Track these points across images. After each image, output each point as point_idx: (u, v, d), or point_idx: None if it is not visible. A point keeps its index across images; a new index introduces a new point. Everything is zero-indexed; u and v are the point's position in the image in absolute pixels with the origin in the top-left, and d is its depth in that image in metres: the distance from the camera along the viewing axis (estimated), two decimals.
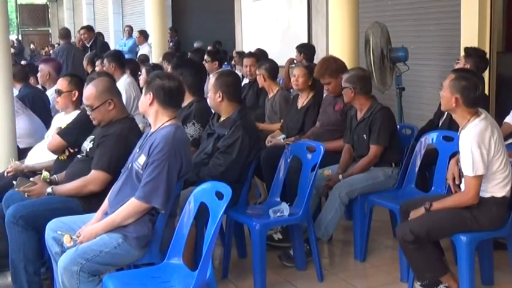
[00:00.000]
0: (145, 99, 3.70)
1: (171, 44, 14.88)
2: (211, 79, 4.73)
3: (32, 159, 5.20)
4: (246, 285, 4.39)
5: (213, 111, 4.86)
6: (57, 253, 3.63)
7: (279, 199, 4.65)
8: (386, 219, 5.19)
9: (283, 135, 5.94)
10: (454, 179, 4.05)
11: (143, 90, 3.77)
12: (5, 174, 4.95)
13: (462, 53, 5.55)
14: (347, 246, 5.17)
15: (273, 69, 6.68)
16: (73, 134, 4.56)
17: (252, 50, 10.49)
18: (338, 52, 6.59)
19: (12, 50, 23.50)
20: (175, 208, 3.72)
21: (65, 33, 11.54)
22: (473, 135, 3.75)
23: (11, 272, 4.04)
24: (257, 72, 6.77)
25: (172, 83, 3.71)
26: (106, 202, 3.77)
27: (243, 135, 4.44)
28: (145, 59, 11.57)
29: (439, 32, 8.17)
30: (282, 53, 10.50)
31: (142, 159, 3.57)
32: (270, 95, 6.64)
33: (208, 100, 4.93)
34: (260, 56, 8.30)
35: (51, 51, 23.06)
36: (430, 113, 5.89)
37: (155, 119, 3.69)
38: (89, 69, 9.10)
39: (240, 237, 4.89)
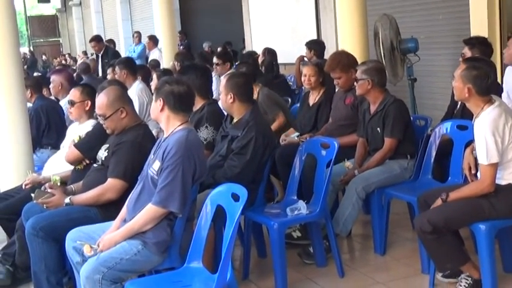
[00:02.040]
0: (156, 105, 3.71)
1: (181, 47, 14.94)
2: (223, 81, 4.75)
3: (49, 171, 5.24)
4: (267, 285, 4.41)
5: (226, 113, 4.88)
6: (79, 263, 3.67)
7: (295, 197, 4.65)
8: (405, 211, 5.17)
9: (296, 133, 5.93)
10: (470, 168, 4.04)
11: (153, 97, 3.79)
12: (23, 186, 4.99)
13: (465, 49, 5.48)
14: (366, 240, 5.18)
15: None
16: (89, 146, 4.58)
17: (261, 49, 10.53)
18: (348, 46, 6.60)
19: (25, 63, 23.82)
20: (193, 212, 3.74)
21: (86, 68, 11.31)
22: (487, 123, 3.74)
23: (34, 283, 4.09)
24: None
25: (182, 88, 3.72)
26: (124, 209, 3.80)
27: (256, 135, 4.45)
28: (156, 64, 11.60)
29: (448, 20, 8.14)
30: (291, 50, 10.51)
31: (157, 165, 3.59)
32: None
33: (220, 102, 4.94)
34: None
35: (63, 61, 23.30)
36: (443, 102, 5.88)
37: (167, 124, 3.71)
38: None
39: (259, 237, 4.91)
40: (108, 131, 4.24)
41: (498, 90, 5.28)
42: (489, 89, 3.83)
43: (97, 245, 3.51)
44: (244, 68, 7.37)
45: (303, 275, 4.56)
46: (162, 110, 3.69)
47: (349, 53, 5.76)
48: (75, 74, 13.97)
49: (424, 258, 4.31)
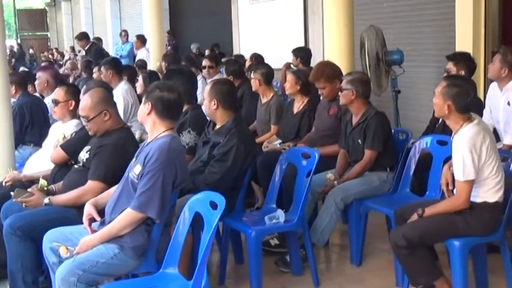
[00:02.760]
0: (144, 108, 3.73)
1: (169, 47, 14.92)
2: (207, 87, 4.76)
3: (30, 169, 5.24)
4: None
5: (209, 119, 4.89)
6: (55, 263, 3.66)
7: (274, 205, 4.67)
8: (383, 222, 5.17)
9: (279, 140, 5.96)
10: (447, 183, 4.08)
11: (143, 99, 3.79)
12: (3, 183, 4.98)
13: (448, 64, 5.53)
14: (344, 250, 5.21)
15: (268, 74, 6.69)
16: (75, 148, 4.57)
17: (249, 53, 10.57)
18: (334, 55, 6.64)
19: (13, 59, 23.71)
20: (171, 217, 3.74)
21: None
22: (465, 141, 3.78)
23: (10, 282, 4.08)
24: (252, 76, 6.77)
25: (172, 95, 3.74)
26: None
27: (238, 143, 4.47)
28: (142, 64, 11.61)
29: (434, 33, 8.20)
30: (279, 56, 10.53)
31: (138, 169, 3.60)
32: (264, 100, 6.63)
33: (203, 107, 4.96)
34: None
35: (49, 56, 23.20)
36: (426, 114, 5.90)
37: (152, 129, 3.73)
38: (85, 75, 9.15)
39: (237, 243, 4.92)
40: (90, 133, 4.24)
41: (479, 106, 5.36)
42: (468, 107, 3.87)
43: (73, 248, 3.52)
44: (231, 67, 7.49)
45: (279, 283, 4.58)
46: (149, 113, 3.71)
47: (333, 64, 5.80)
48: (61, 69, 14.04)
49: (399, 271, 4.33)
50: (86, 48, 13.08)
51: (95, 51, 12.72)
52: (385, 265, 4.75)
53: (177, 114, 3.85)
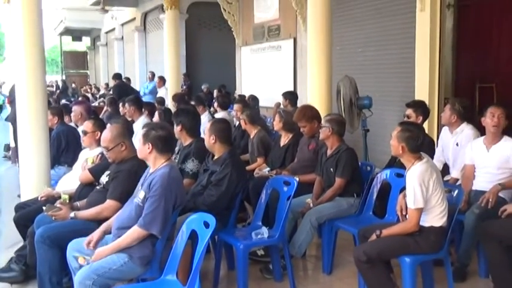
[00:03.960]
0: (145, 148, 3.69)
1: (184, 86, 14.96)
2: (207, 125, 4.75)
3: (62, 186, 5.22)
4: None
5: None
6: (76, 268, 3.63)
7: (260, 223, 4.64)
8: (351, 238, 5.13)
9: (268, 168, 5.93)
10: (402, 210, 4.05)
11: (141, 139, 3.73)
12: (39, 198, 4.97)
13: (408, 110, 5.53)
14: (318, 261, 5.15)
15: (252, 116, 6.75)
16: (99, 172, 4.56)
17: (249, 93, 10.60)
18: (315, 99, 6.66)
19: (58, 91, 23.75)
20: (172, 232, 3.71)
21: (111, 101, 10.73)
22: (416, 175, 3.76)
23: (38, 282, 4.04)
24: (240, 117, 6.85)
25: (166, 132, 3.75)
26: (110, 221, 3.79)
27: (231, 171, 4.45)
28: (161, 101, 11.66)
29: (397, 83, 8.23)
30: (272, 97, 10.57)
31: (142, 194, 3.58)
32: (251, 136, 6.66)
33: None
34: None
35: (88, 90, 23.26)
36: (390, 149, 5.91)
37: (154, 163, 3.71)
38: (109, 109, 9.16)
39: (230, 252, 4.85)
40: (109, 160, 4.24)
41: (431, 144, 5.35)
42: (419, 148, 3.85)
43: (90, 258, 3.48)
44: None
45: None
46: (150, 152, 3.69)
47: (313, 107, 5.81)
48: (96, 102, 14.08)
49: (361, 280, 4.25)
50: (111, 86, 13.21)
51: (118, 90, 12.81)
52: (351, 274, 4.68)
53: (173, 147, 3.86)
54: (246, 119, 6.64)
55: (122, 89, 13.27)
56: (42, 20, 5.81)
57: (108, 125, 4.37)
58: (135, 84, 18.79)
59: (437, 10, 7.31)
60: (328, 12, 6.61)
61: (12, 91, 9.10)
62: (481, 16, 8.02)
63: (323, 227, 4.88)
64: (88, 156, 5.10)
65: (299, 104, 8.42)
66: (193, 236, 3.53)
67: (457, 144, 5.24)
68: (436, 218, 3.82)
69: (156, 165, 3.68)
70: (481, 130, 5.03)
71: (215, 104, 9.82)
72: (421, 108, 5.53)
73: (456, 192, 4.20)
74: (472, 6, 8.03)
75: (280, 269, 4.65)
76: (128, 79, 17.14)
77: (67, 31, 30.61)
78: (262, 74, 12.46)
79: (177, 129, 5.01)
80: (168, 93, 13.10)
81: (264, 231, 4.38)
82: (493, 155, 4.70)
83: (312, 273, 5.07)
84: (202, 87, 15.35)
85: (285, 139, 6.02)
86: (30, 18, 5.65)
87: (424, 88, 7.39)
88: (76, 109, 7.30)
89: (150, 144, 3.67)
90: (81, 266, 3.56)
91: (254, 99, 9.70)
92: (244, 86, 13.34)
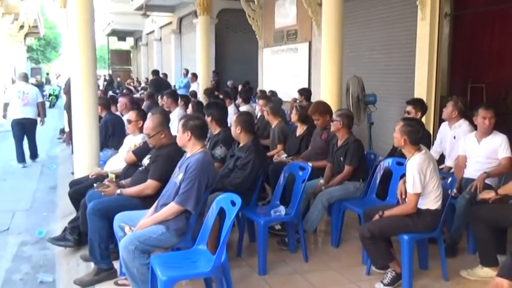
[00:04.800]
0: (184, 136, 3.69)
1: (213, 82, 14.97)
2: (234, 116, 4.75)
3: (109, 166, 5.28)
4: (253, 262, 4.38)
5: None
6: (121, 236, 3.65)
7: (278, 202, 4.64)
8: (356, 216, 5.12)
9: (285, 155, 5.92)
10: (401, 194, 4.03)
11: (180, 128, 3.74)
12: (90, 176, 5.04)
13: (408, 107, 5.46)
14: (327, 236, 5.14)
15: (274, 108, 6.70)
16: (142, 154, 4.60)
17: (269, 88, 10.55)
18: (327, 95, 6.60)
19: (105, 83, 23.89)
20: (204, 209, 3.72)
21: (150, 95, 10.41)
22: (415, 164, 3.74)
23: (89, 247, 4.10)
24: (264, 109, 6.80)
25: (201, 122, 3.76)
26: (156, 203, 3.81)
27: (254, 157, 4.46)
28: (194, 94, 11.66)
29: (399, 82, 8.15)
30: (289, 92, 10.53)
31: (180, 175, 3.59)
32: (273, 126, 6.62)
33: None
34: None
35: (131, 83, 23.35)
36: (391, 140, 5.82)
37: (191, 148, 3.71)
38: (148, 102, 9.20)
39: (251, 227, 4.89)
40: (150, 146, 4.25)
41: (428, 137, 5.29)
42: (418, 141, 3.82)
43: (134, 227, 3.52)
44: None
45: (279, 257, 4.54)
46: (189, 139, 3.70)
47: (325, 102, 5.77)
48: (138, 94, 14.12)
49: (365, 253, 4.26)
50: (149, 81, 13.25)
51: (154, 83, 12.85)
52: (355, 248, 4.68)
53: (206, 134, 3.83)
54: (269, 110, 6.61)
55: (158, 83, 13.35)
56: (94, 23, 5.84)
57: (149, 115, 4.39)
58: (171, 79, 18.83)
59: (436, 19, 7.20)
60: (340, 19, 6.53)
61: (67, 83, 9.20)
62: (474, 24, 7.91)
63: (332, 207, 4.87)
64: (132, 141, 5.14)
65: (313, 99, 8.39)
66: (221, 212, 3.55)
67: (454, 138, 5.18)
68: (431, 201, 3.79)
69: (193, 150, 3.68)
70: (474, 125, 4.97)
71: (239, 98, 9.81)
72: (420, 105, 5.47)
73: (450, 179, 4.16)
74: (466, 16, 7.92)
75: (294, 242, 4.66)
76: (165, 75, 17.19)
77: (113, 32, 30.75)
78: (281, 72, 12.42)
79: (207, 119, 5.02)
80: (199, 87, 13.13)
81: (282, 209, 4.39)
82: (483, 146, 4.65)
83: (321, 246, 5.07)
84: (228, 83, 15.34)
85: (300, 130, 5.99)
86: (84, 21, 5.69)
87: (422, 87, 7.31)
88: (121, 100, 7.36)
89: (189, 132, 3.67)
90: (125, 235, 3.61)
91: (274, 94, 9.66)
92: (265, 83, 13.30)
